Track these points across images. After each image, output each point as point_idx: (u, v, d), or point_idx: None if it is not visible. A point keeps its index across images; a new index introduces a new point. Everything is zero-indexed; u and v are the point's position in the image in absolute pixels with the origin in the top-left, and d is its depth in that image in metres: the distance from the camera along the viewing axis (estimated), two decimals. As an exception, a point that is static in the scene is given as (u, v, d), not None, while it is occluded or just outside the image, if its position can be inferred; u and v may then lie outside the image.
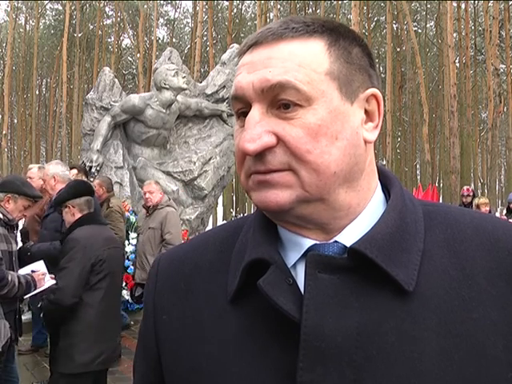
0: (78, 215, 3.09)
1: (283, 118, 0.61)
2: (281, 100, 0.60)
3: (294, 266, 0.64)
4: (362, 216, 0.65)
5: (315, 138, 0.60)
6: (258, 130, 0.60)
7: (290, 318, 0.59)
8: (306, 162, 0.60)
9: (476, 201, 7.68)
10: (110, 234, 3.28)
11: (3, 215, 3.20)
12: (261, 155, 0.61)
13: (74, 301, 2.91)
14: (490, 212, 7.43)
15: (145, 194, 5.33)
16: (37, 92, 39.19)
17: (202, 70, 30.68)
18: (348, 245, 0.62)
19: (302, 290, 0.61)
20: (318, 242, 0.64)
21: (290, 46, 0.62)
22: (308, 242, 0.64)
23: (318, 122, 0.60)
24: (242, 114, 0.64)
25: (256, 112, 0.61)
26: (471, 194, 8.86)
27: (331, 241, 0.64)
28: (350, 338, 0.58)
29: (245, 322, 0.64)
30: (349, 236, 0.64)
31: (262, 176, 0.61)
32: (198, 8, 28.62)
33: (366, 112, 0.65)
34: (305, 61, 0.61)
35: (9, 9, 31.76)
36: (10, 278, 2.91)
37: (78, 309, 2.94)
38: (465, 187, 9.47)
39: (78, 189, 3.16)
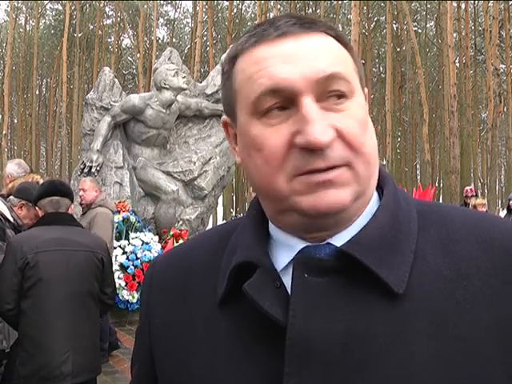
0: None
1: (335, 111, 0.59)
2: (332, 91, 0.59)
3: (285, 268, 0.63)
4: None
5: (364, 129, 0.60)
6: (323, 122, 0.57)
7: (275, 321, 0.58)
8: (361, 155, 0.59)
9: (473, 201, 7.69)
10: (62, 235, 2.83)
11: (14, 219, 3.22)
12: (318, 151, 0.57)
13: (8, 307, 2.68)
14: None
15: (79, 191, 5.04)
16: (37, 92, 39.17)
17: (202, 70, 30.65)
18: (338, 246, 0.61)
19: (290, 293, 0.60)
20: (310, 244, 0.63)
21: (321, 40, 0.61)
22: (300, 244, 0.63)
23: (363, 113, 0.61)
24: (278, 109, 0.60)
25: (313, 104, 0.58)
26: (474, 193, 8.88)
27: (324, 243, 0.62)
28: (337, 342, 0.57)
29: (232, 326, 0.63)
30: (341, 237, 0.62)
31: (324, 176, 0.57)
32: (198, 8, 28.60)
33: None
34: (341, 55, 0.62)
35: (9, 9, 31.75)
36: None
37: (17, 316, 2.73)
38: (468, 188, 9.45)
39: (41, 190, 2.92)
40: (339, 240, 0.62)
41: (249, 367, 0.60)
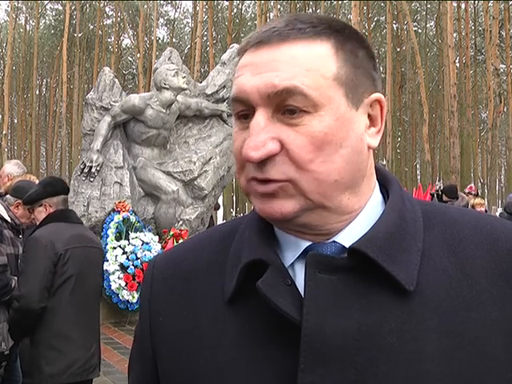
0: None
1: (289, 124, 0.59)
2: (287, 106, 0.58)
3: (292, 266, 0.64)
4: (361, 216, 0.64)
5: (320, 146, 0.58)
6: (263, 136, 0.58)
7: (289, 319, 0.58)
8: (306, 171, 0.58)
9: (471, 201, 7.69)
10: (79, 232, 2.90)
11: (11, 219, 3.21)
12: (261, 163, 0.59)
13: (42, 305, 2.64)
14: (486, 212, 7.45)
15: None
16: (37, 92, 39.17)
17: (202, 70, 30.65)
18: (346, 245, 0.62)
19: (300, 290, 0.60)
20: (314, 243, 0.64)
21: (296, 49, 0.59)
22: (305, 243, 0.64)
23: (324, 129, 0.58)
24: (243, 117, 0.62)
25: (261, 118, 0.59)
26: (475, 192, 8.88)
27: (329, 241, 0.63)
28: (350, 339, 0.57)
29: (243, 324, 0.63)
30: (347, 236, 0.63)
31: (264, 188, 0.60)
32: (198, 8, 28.60)
33: (369, 117, 0.64)
34: (313, 65, 0.59)
35: (9, 9, 31.77)
36: (13, 285, 2.90)
37: (41, 314, 2.67)
38: (470, 185, 9.45)
39: (58, 187, 2.92)
40: (343, 239, 0.63)
41: (261, 365, 0.61)
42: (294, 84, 0.58)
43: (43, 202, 2.86)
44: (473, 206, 7.34)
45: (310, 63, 0.59)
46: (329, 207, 0.61)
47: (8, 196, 3.42)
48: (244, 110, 0.62)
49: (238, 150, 0.62)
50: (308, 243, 0.64)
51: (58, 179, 3.11)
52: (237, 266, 0.65)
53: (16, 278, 2.88)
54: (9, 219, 3.19)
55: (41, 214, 2.88)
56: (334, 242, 0.63)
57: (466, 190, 8.92)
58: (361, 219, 0.64)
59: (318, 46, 0.60)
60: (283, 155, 0.59)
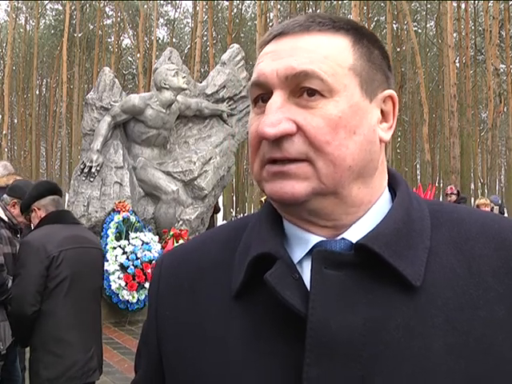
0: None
1: (304, 107, 0.61)
2: (304, 87, 0.61)
3: (300, 262, 0.64)
4: (370, 213, 0.65)
5: (335, 129, 0.60)
6: (279, 115, 0.60)
7: (296, 312, 0.59)
8: (324, 153, 0.60)
9: (476, 201, 7.71)
10: (75, 232, 2.84)
11: (8, 219, 3.21)
12: (278, 142, 0.61)
13: (34, 309, 2.60)
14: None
15: None
16: (37, 92, 39.16)
17: (202, 70, 30.65)
18: (354, 242, 0.62)
19: (307, 285, 0.61)
20: (324, 239, 0.64)
21: (316, 39, 0.63)
22: (315, 239, 0.64)
23: (339, 113, 0.61)
24: (261, 100, 0.64)
25: (278, 98, 0.62)
26: (455, 192, 8.82)
27: (338, 237, 0.64)
28: (356, 334, 0.58)
29: (249, 317, 0.64)
30: (356, 233, 0.64)
31: (278, 167, 0.61)
32: (198, 8, 28.60)
33: (382, 112, 0.66)
34: (330, 54, 0.62)
35: (9, 9, 31.75)
36: (10, 285, 2.89)
37: (37, 318, 2.64)
38: (448, 186, 9.43)
39: (41, 189, 2.88)
40: (351, 235, 0.64)
41: (267, 358, 0.61)
42: (312, 68, 0.61)
43: (32, 206, 2.85)
44: (477, 207, 7.35)
45: (328, 52, 0.62)
46: (340, 194, 0.62)
47: (5, 196, 3.42)
48: (262, 94, 0.64)
49: (253, 134, 0.63)
50: (317, 239, 0.64)
51: (44, 182, 3.08)
52: (245, 260, 0.66)
53: (12, 278, 2.87)
54: (6, 218, 3.19)
55: (34, 219, 2.87)
56: (343, 238, 0.64)
57: (448, 191, 8.87)
58: (370, 215, 0.65)
59: (336, 39, 0.64)
60: (300, 136, 0.61)
